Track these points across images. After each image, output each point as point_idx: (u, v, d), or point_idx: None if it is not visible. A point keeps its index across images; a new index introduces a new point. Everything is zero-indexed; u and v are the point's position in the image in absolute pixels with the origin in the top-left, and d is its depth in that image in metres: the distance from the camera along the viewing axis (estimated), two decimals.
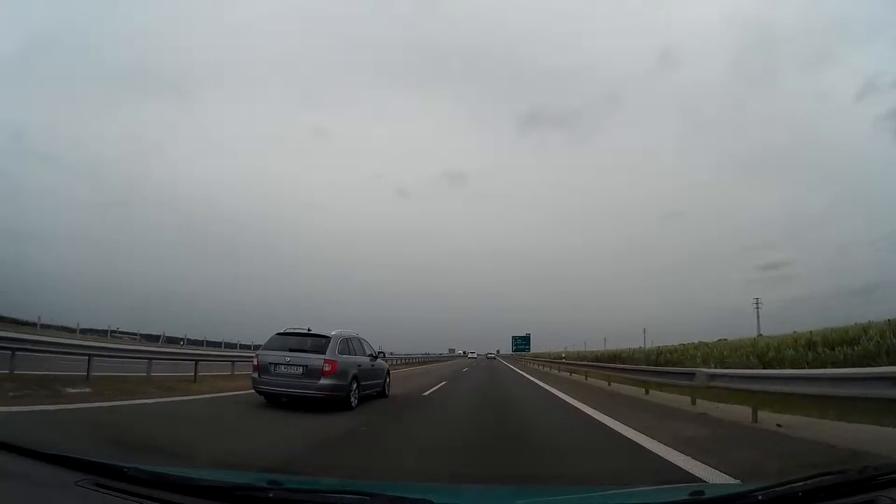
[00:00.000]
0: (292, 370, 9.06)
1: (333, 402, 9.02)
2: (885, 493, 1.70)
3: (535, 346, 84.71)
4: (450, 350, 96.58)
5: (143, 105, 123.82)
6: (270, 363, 9.23)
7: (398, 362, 40.51)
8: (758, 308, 64.19)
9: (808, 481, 1.81)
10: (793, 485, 1.81)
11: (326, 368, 8.95)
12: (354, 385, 9.61)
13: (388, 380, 12.31)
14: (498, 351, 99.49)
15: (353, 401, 9.52)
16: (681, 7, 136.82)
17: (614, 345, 55.78)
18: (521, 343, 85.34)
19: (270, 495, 1.87)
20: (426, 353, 67.93)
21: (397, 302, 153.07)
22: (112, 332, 40.56)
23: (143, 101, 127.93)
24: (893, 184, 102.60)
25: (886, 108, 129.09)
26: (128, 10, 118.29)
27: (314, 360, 9.02)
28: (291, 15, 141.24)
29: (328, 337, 9.49)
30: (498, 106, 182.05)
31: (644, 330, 64.38)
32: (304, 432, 6.90)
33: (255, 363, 9.56)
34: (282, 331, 9.86)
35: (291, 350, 9.24)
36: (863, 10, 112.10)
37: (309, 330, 9.71)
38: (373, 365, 11.09)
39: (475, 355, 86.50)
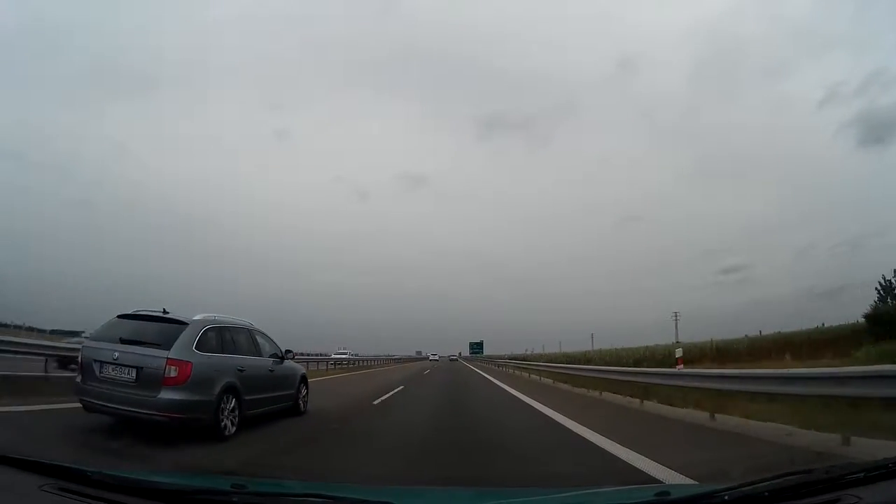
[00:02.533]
0: (122, 373, 5.64)
1: (188, 428, 5.66)
2: (850, 492, 1.67)
3: (498, 348, 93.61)
4: (417, 352, 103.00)
5: (109, 103, 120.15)
6: (96, 360, 5.81)
7: (355, 365, 39.15)
8: (676, 320, 67.67)
9: (774, 481, 1.79)
10: (758, 485, 1.77)
11: (171, 374, 5.53)
12: (230, 401, 6.23)
13: (304, 390, 8.93)
14: (460, 353, 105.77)
15: (228, 425, 6.15)
16: (641, 16, 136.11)
17: (569, 347, 62.75)
18: (476, 348, 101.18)
19: (234, 499, 1.87)
20: (389, 355, 67.88)
21: (357, 303, 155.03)
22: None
23: (109, 99, 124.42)
24: (854, 189, 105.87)
25: (848, 116, 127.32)
26: (94, 8, 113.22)
27: (153, 358, 5.60)
28: (253, 15, 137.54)
29: (184, 324, 6.09)
30: (459, 109, 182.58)
31: (592, 335, 69.11)
32: None
33: (79, 359, 6.14)
34: (126, 312, 6.43)
35: (124, 341, 5.82)
36: (823, 20, 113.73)
37: (165, 312, 6.30)
38: (272, 371, 7.66)
39: (436, 357, 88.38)
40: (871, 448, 4.74)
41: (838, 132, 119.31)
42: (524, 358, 46.24)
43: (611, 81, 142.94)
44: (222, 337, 6.56)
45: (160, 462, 4.40)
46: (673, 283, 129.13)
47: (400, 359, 67.64)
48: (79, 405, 5.96)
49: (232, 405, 6.25)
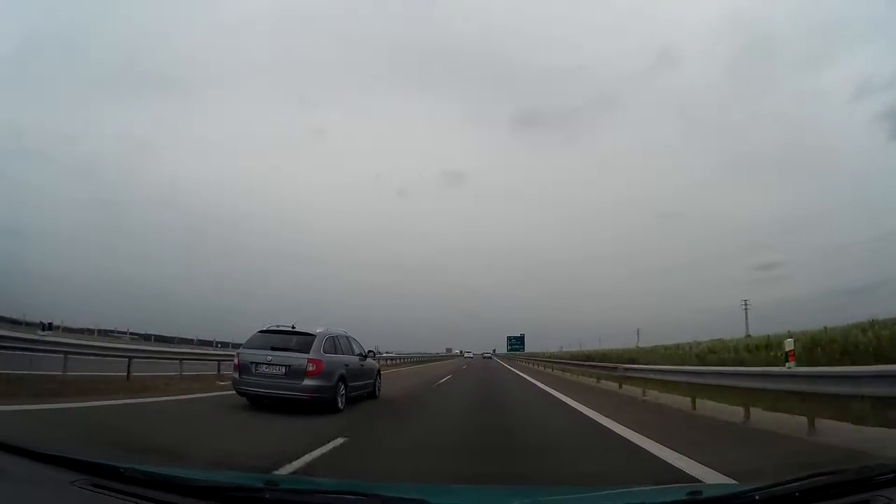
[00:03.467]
0: (274, 370, 8.42)
1: (318, 404, 8.40)
2: (881, 492, 1.67)
3: (531, 346, 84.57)
4: (447, 350, 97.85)
5: (137, 104, 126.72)
6: (251, 362, 8.60)
7: (397, 362, 40.35)
8: (746, 309, 60.56)
9: (805, 481, 1.78)
10: (790, 484, 1.77)
11: (310, 368, 8.32)
12: (341, 386, 8.99)
13: (378, 380, 11.68)
14: (494, 350, 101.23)
15: (340, 403, 8.90)
16: (678, 8, 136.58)
17: (609, 344, 55.16)
18: (516, 343, 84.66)
19: (266, 496, 1.88)
20: (423, 353, 65.64)
21: (394, 301, 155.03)
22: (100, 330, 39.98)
23: (137, 99, 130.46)
24: (888, 183, 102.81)
25: (881, 108, 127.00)
26: (123, 9, 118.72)
27: (297, 359, 8.39)
28: (289, 14, 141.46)
29: (313, 335, 8.86)
30: (496, 106, 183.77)
31: (637, 330, 64.91)
32: (277, 439, 6.29)
33: (236, 362, 8.94)
34: (264, 328, 9.24)
35: (274, 349, 8.62)
36: (858, 10, 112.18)
37: (293, 327, 9.10)
38: (362, 365, 10.47)
39: (471, 355, 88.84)
40: None
41: (871, 125, 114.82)
42: (634, 360, 23.57)
43: (648, 75, 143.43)
44: (334, 343, 9.35)
45: (193, 458, 4.44)
46: (712, 279, 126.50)
47: (415, 356, 55.12)
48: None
49: (342, 389, 9.01)
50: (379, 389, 11.65)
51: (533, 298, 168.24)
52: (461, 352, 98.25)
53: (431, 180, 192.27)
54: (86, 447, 4.82)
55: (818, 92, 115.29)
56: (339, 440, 6.08)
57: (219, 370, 15.73)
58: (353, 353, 10.17)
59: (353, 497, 1.94)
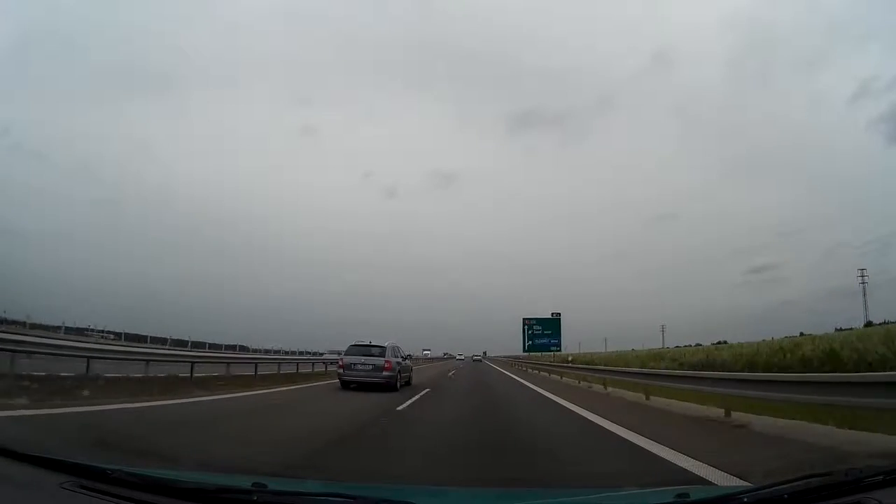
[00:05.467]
0: (365, 367, 15.90)
1: (388, 387, 15.77)
2: (870, 494, 1.73)
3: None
4: (423, 351, 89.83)
5: (133, 103, 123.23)
6: (351, 363, 16.10)
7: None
8: (864, 283, 51.94)
9: (794, 483, 1.84)
10: (778, 487, 1.85)
11: (386, 366, 15.82)
12: (399, 376, 16.46)
13: (411, 373, 19.15)
14: (485, 353, 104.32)
15: (398, 386, 16.34)
16: (676, 8, 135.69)
17: (613, 346, 59.32)
18: (543, 332, 42.92)
19: (254, 497, 1.92)
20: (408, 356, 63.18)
21: (384, 302, 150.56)
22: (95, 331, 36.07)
23: (133, 98, 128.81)
24: (885, 187, 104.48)
25: (879, 111, 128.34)
26: (119, 7, 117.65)
27: (379, 361, 15.88)
28: (281, 13, 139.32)
29: (384, 346, 16.39)
30: (490, 106, 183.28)
31: (663, 327, 69.26)
32: (387, 400, 13.59)
33: (341, 362, 16.45)
34: (354, 342, 16.74)
35: (363, 355, 16.12)
36: (858, 13, 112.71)
37: (370, 342, 16.61)
38: (406, 363, 18.02)
39: (462, 357, 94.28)
40: None
41: (869, 128, 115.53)
42: None
43: (644, 76, 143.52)
44: (394, 350, 16.84)
45: (183, 460, 4.58)
46: (697, 284, 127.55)
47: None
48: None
49: (398, 378, 16.47)
50: (411, 380, 19.10)
51: (527, 300, 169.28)
52: (446, 354, 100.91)
53: (425, 181, 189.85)
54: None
55: (817, 93, 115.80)
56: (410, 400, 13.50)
57: (297, 369, 23.55)
58: (400, 356, 17.63)
59: (341, 499, 2.04)
